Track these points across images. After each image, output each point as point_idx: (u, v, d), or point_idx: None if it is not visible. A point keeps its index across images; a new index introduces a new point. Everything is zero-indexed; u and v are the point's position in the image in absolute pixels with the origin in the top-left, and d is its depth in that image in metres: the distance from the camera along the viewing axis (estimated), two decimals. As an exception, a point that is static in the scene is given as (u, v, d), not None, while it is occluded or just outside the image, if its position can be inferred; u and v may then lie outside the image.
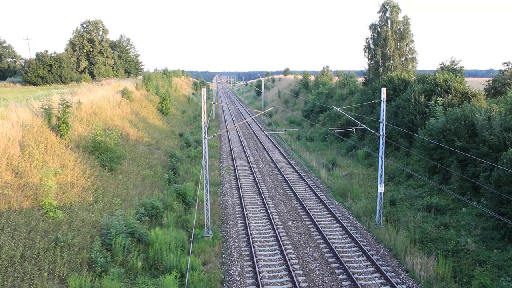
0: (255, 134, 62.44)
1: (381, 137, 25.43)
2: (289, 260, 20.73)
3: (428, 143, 30.14)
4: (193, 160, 41.26)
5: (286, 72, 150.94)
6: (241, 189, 32.93)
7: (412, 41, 49.21)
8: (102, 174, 25.89)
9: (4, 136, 21.11)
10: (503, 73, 43.57)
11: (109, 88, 51.67)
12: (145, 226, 22.33)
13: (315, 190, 32.39)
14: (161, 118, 55.76)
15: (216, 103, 29.86)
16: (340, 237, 23.73)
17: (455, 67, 45.75)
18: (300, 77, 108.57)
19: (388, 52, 48.80)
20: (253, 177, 36.83)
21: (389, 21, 48.98)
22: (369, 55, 51.52)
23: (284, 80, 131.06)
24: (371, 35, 50.67)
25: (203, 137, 23.89)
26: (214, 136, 26.41)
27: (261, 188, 33.28)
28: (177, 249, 20.12)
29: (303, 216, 27.29)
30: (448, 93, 35.56)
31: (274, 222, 26.02)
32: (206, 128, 23.66)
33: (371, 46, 50.74)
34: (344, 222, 25.85)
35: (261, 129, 65.13)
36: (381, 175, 25.41)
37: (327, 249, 22.14)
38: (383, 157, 25.64)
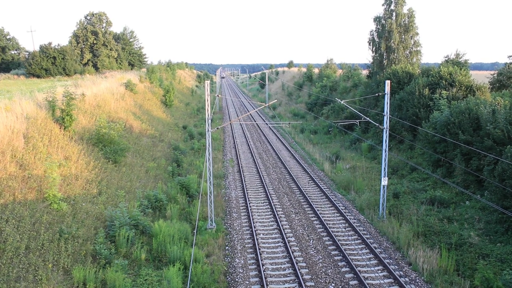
0: (259, 127, 62.38)
1: (385, 130, 25.36)
2: (292, 252, 20.79)
3: (432, 136, 30.05)
4: (196, 153, 41.32)
5: (290, 64, 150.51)
6: (245, 182, 32.98)
7: (417, 33, 48.94)
8: (106, 166, 25.96)
9: (9, 128, 21.18)
10: (508, 66, 43.26)
11: (112, 81, 51.66)
12: (149, 218, 22.43)
13: (318, 183, 32.39)
14: (164, 111, 55.79)
15: (219, 95, 29.83)
16: (343, 230, 23.76)
17: (459, 60, 45.45)
18: (304, 69, 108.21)
19: (393, 45, 48.52)
20: (257, 170, 36.86)
21: (394, 14, 48.66)
22: (374, 48, 51.29)
23: (288, 72, 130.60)
24: (376, 28, 50.40)
25: (206, 130, 23.89)
26: (217, 128, 26.41)
27: (265, 181, 33.31)
28: (181, 241, 20.21)
29: (306, 209, 27.33)
30: (453, 86, 35.37)
31: (278, 214, 26.07)
32: (209, 121, 23.64)
33: (376, 38, 50.49)
34: (347, 215, 25.88)
35: (264, 121, 65.10)
36: (384, 168, 25.38)
37: (330, 242, 22.19)
38: (387, 150, 25.58)
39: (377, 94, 34.81)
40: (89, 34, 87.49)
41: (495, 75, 44.07)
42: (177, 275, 16.81)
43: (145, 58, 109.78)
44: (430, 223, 23.01)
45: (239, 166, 38.04)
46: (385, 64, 49.65)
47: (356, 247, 21.48)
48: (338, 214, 26.26)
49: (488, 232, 21.12)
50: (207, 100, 23.59)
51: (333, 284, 17.93)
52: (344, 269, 19.25)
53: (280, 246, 21.70)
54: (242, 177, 34.25)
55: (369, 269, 19.20)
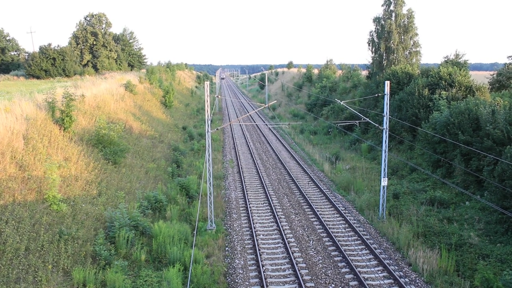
0: (258, 128, 62.39)
1: (384, 131, 25.36)
2: (292, 253, 20.79)
3: (432, 136, 30.05)
4: (196, 154, 41.32)
5: (289, 65, 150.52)
6: (244, 183, 32.97)
7: (416, 34, 49.00)
8: (105, 167, 25.95)
9: (8, 129, 21.17)
10: (507, 66, 43.32)
11: (112, 82, 51.67)
12: (149, 219, 22.42)
13: (318, 184, 32.39)
14: (164, 112, 55.79)
15: (219, 96, 29.86)
16: (343, 230, 23.76)
17: (459, 60, 45.49)
18: (303, 70, 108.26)
19: (392, 45, 48.57)
20: (256, 171, 36.85)
21: (393, 14, 48.71)
22: (373, 49, 51.34)
23: (287, 73, 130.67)
24: (375, 29, 50.46)
25: (206, 130, 23.89)
26: (217, 129, 26.41)
27: (264, 182, 33.31)
28: (181, 242, 20.21)
29: (306, 210, 27.32)
30: (452, 87, 35.38)
31: (277, 215, 26.06)
32: (209, 122, 23.64)
33: (375, 39, 50.53)
34: (347, 216, 25.88)
35: (264, 122, 65.08)
36: (384, 168, 25.38)
37: (330, 243, 22.18)
38: (387, 150, 25.59)
39: (376, 95, 34.84)
40: (89, 35, 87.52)
41: (494, 75, 44.13)
42: (177, 276, 16.80)
43: (145, 59, 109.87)
44: (430, 224, 23.01)
45: (239, 167, 38.04)
46: (385, 64, 49.69)
47: (356, 247, 21.47)
48: (338, 215, 26.26)
49: (488, 233, 21.12)
50: (207, 101, 23.58)
51: (333, 285, 17.93)
52: (344, 270, 19.24)
53: (280, 247, 21.69)
54: (242, 178, 34.24)
55: (369, 269, 19.19)
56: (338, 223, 24.87)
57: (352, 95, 59.70)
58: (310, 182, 33.44)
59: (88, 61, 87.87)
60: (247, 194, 30.22)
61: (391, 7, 48.79)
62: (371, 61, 52.61)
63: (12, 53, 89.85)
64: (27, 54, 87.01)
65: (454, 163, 28.01)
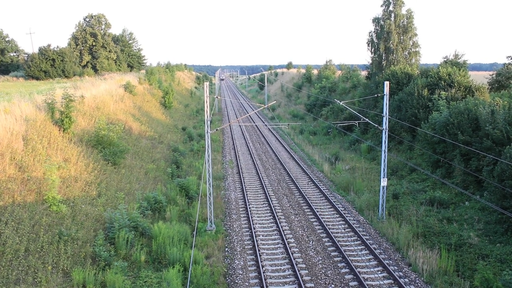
0: (258, 128, 62.39)
1: (384, 131, 25.38)
2: (292, 254, 20.79)
3: (431, 137, 30.06)
4: (196, 154, 41.31)
5: (289, 66, 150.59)
6: (244, 183, 32.97)
7: (416, 34, 49.05)
8: (105, 168, 25.95)
9: (8, 130, 21.17)
10: (507, 66, 43.31)
11: (112, 82, 51.66)
12: (148, 220, 22.42)
13: (317, 184, 32.39)
14: (164, 112, 55.78)
15: (219, 97, 29.86)
16: (343, 231, 23.76)
17: (458, 60, 45.52)
18: (303, 71, 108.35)
19: (391, 45, 48.61)
20: (256, 171, 36.85)
21: (393, 15, 48.77)
22: (372, 49, 51.38)
23: (287, 74, 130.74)
24: (374, 29, 50.51)
25: (205, 131, 23.89)
26: (216, 130, 26.42)
27: (264, 182, 33.31)
28: (180, 243, 20.20)
29: (305, 210, 27.32)
30: (452, 87, 35.40)
31: (277, 216, 26.06)
32: (208, 122, 23.64)
33: (374, 40, 50.57)
34: (346, 216, 25.88)
35: (263, 123, 65.11)
36: (384, 169, 25.39)
37: (330, 243, 22.18)
38: (386, 151, 25.60)
39: (376, 95, 34.85)
40: (88, 36, 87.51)
41: (493, 75, 44.13)
42: (177, 276, 16.80)
43: (144, 59, 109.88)
44: (430, 224, 23.02)
45: (239, 167, 38.03)
46: (384, 65, 49.71)
47: (356, 248, 21.48)
48: (337, 215, 26.26)
49: (488, 233, 21.13)
50: (206, 102, 23.58)
51: (333, 285, 17.93)
52: (343, 270, 19.24)
53: (279, 247, 21.69)
54: (242, 179, 34.24)
55: (369, 270, 19.19)
56: (338, 224, 24.87)
57: (352, 95, 59.72)
58: (309, 183, 33.45)
59: (87, 62, 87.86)
60: (246, 194, 30.22)
61: (390, 8, 48.85)
62: (370, 61, 52.65)
63: (12, 54, 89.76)
64: (27, 55, 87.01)
65: (454, 163, 28.03)
